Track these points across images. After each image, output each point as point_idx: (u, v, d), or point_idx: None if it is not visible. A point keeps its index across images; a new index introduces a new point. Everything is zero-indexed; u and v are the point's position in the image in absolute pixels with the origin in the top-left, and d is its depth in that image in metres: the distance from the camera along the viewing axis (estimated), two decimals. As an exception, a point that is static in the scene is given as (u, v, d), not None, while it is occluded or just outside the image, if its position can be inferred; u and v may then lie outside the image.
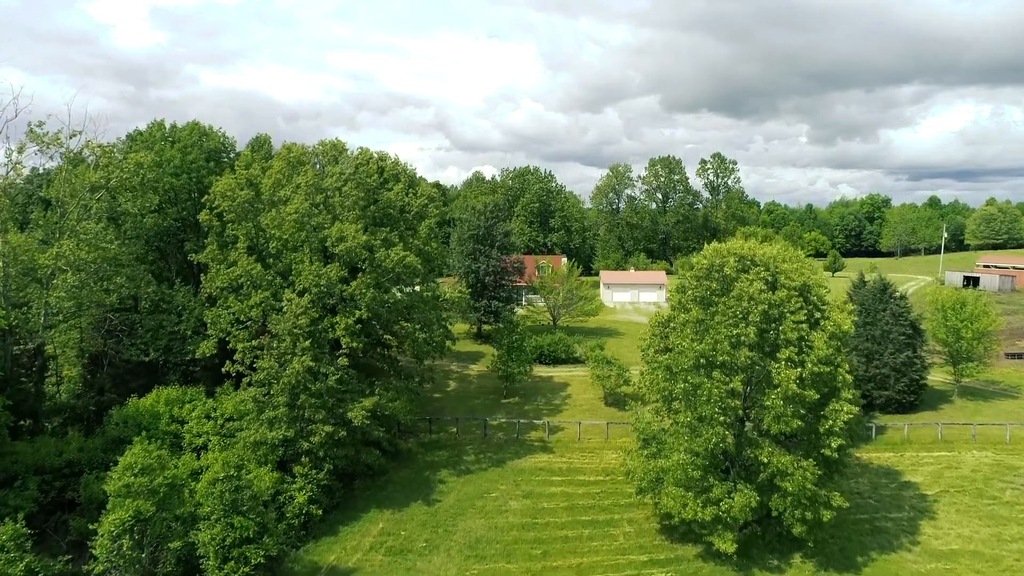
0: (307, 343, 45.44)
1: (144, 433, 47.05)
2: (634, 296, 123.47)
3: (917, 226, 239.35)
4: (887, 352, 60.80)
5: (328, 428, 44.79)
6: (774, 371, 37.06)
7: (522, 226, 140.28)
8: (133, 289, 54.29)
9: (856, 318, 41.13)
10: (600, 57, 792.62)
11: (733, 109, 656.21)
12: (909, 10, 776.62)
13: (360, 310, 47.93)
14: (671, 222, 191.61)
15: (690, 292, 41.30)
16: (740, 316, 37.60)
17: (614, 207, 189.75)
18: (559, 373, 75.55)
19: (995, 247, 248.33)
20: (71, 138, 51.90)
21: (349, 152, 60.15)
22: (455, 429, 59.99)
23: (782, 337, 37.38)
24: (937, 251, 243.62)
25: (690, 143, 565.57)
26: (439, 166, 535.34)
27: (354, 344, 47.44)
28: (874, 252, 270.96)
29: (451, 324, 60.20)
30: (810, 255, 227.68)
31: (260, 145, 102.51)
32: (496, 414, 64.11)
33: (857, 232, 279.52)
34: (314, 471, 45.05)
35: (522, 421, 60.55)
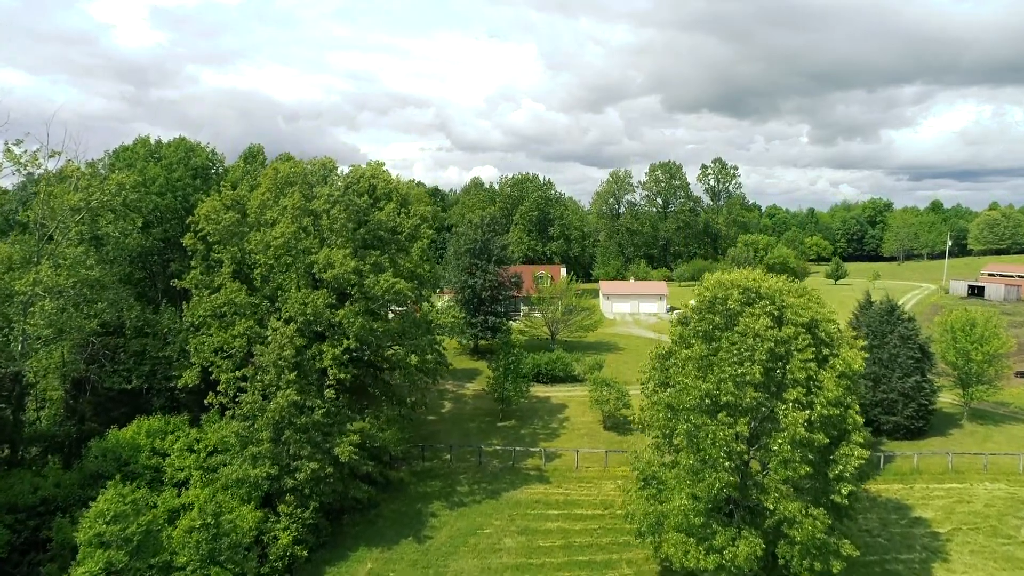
0: (292, 375, 43.55)
1: (122, 471, 45.53)
2: (634, 307, 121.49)
3: (920, 231, 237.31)
4: (895, 376, 58.89)
5: (314, 465, 42.92)
6: (781, 413, 35.14)
7: (521, 235, 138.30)
8: (115, 314, 52.45)
9: (867, 355, 39.11)
10: (601, 57, 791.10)
11: (734, 109, 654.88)
12: (910, 10, 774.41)
13: (348, 339, 45.99)
14: (672, 228, 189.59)
15: (692, 325, 39.36)
16: (745, 354, 35.68)
17: (614, 213, 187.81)
18: (557, 393, 73.62)
19: (998, 252, 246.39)
20: (50, 158, 50.16)
21: (340, 171, 58.37)
22: (449, 456, 58.09)
23: (789, 377, 35.46)
24: (940, 256, 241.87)
25: (691, 143, 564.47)
26: (439, 166, 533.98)
27: (341, 375, 45.51)
28: (876, 257, 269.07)
29: (443, 346, 58.10)
30: (811, 260, 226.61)
31: (253, 156, 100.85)
32: (492, 439, 62.22)
33: (859, 236, 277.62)
34: (299, 509, 43.18)
35: (518, 448, 58.61)
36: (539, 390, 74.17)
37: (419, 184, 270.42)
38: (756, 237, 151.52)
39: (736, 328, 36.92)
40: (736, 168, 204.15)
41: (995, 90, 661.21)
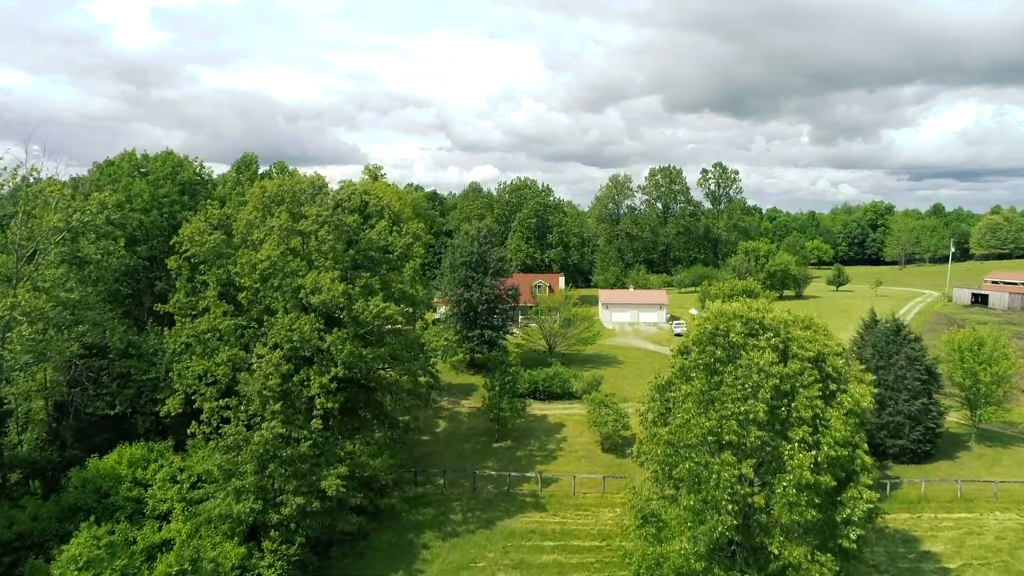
0: (278, 406, 41.94)
1: (102, 503, 44.03)
2: (634, 316, 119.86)
3: (922, 235, 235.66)
4: (901, 399, 57.25)
5: (300, 500, 41.34)
6: (786, 453, 33.51)
7: (519, 243, 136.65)
8: (98, 336, 50.84)
9: (875, 389, 37.47)
10: (601, 57, 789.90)
11: (735, 109, 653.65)
12: (911, 10, 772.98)
13: (337, 367, 44.34)
14: (672, 233, 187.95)
15: (693, 357, 37.68)
16: (749, 390, 34.05)
17: (614, 217, 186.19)
18: (554, 411, 71.97)
19: (1001, 256, 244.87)
20: (30, 174, 48.56)
21: (331, 187, 56.76)
22: (443, 481, 56.51)
23: (794, 415, 33.83)
24: (942, 260, 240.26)
25: (691, 143, 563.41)
26: (440, 166, 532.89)
27: (329, 404, 43.87)
28: (877, 260, 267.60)
29: (437, 368, 56.42)
30: (812, 263, 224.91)
31: (247, 165, 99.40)
32: (487, 461, 60.64)
33: (860, 240, 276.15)
34: (285, 545, 41.57)
35: (513, 474, 57.01)
36: (536, 407, 72.56)
37: (417, 188, 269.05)
38: (757, 244, 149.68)
39: (739, 362, 35.31)
40: (736, 172, 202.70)
41: (996, 90, 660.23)
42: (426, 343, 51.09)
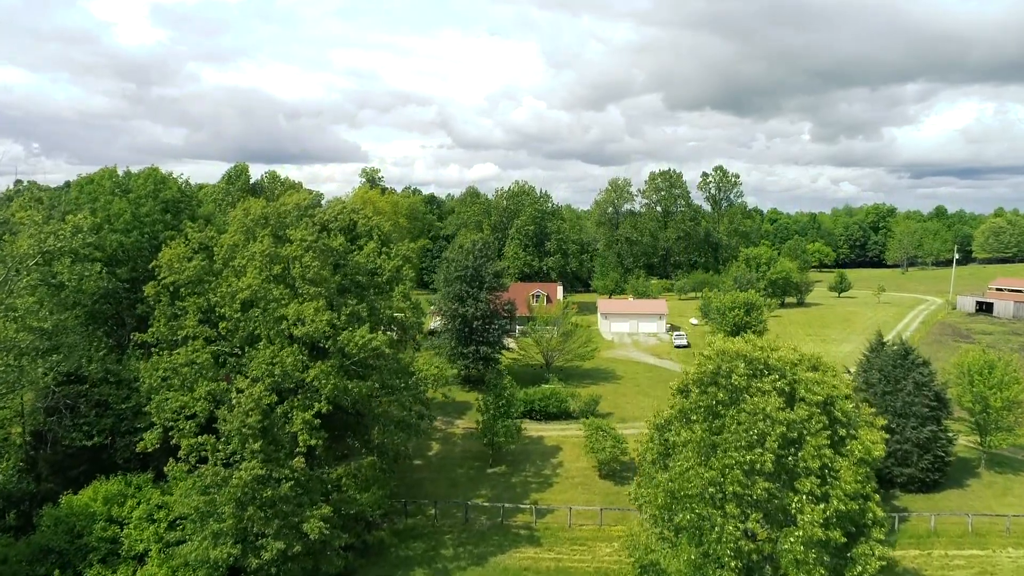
0: (257, 444, 39.93)
1: (75, 543, 42.13)
2: (633, 327, 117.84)
3: (924, 238, 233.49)
4: (909, 426, 55.24)
5: (280, 545, 39.34)
6: (793, 506, 31.55)
7: (516, 251, 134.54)
8: (74, 364, 48.84)
9: (884, 422, 35.48)
10: (603, 55, 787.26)
11: (736, 107, 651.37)
12: (915, 8, 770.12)
13: (320, 402, 42.30)
14: (672, 238, 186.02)
15: (693, 398, 35.72)
16: (755, 439, 32.07)
17: (613, 222, 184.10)
18: (550, 432, 69.96)
19: (1004, 260, 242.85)
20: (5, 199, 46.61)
21: (321, 205, 54.77)
22: (434, 512, 54.48)
23: (801, 464, 31.87)
24: (945, 263, 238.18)
25: (692, 141, 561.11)
26: (440, 164, 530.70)
27: (312, 442, 41.84)
28: (879, 263, 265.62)
29: (429, 396, 54.35)
30: (813, 266, 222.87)
31: (238, 175, 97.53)
32: (480, 489, 58.66)
33: (862, 242, 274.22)
34: (265, 591, 39.59)
35: (507, 504, 54.95)
36: (532, 428, 70.60)
37: (415, 191, 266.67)
38: (758, 251, 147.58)
39: (743, 406, 33.35)
40: (737, 176, 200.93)
41: (999, 88, 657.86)
42: (416, 372, 49.01)
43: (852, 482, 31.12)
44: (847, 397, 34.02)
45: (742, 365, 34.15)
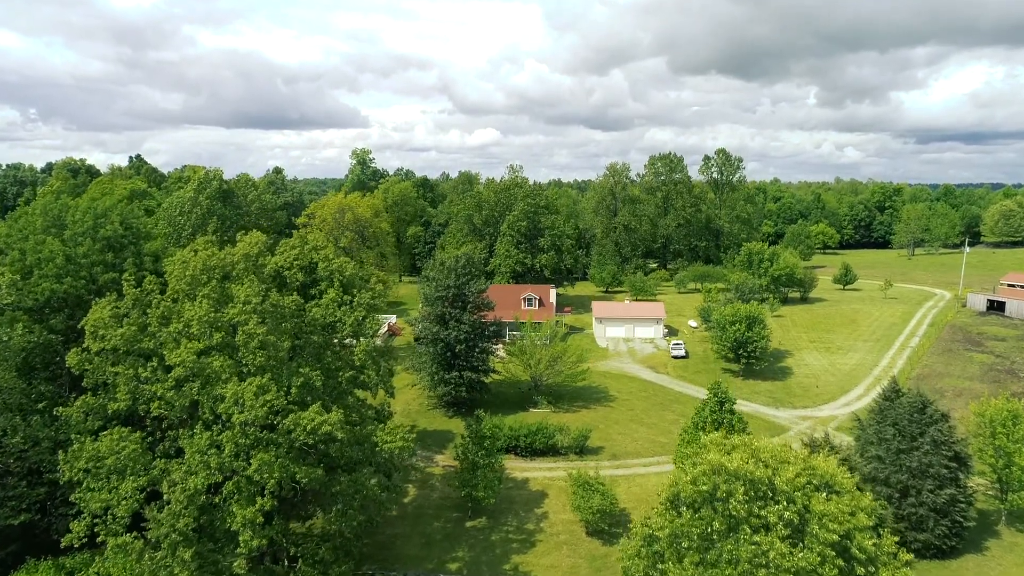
0: (189, 553, 35.01)
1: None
2: (629, 331, 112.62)
3: (931, 221, 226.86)
4: (926, 488, 50.33)
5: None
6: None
7: (508, 247, 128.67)
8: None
9: (910, 557, 30.45)
10: (608, 17, 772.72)
11: (743, 71, 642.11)
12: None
13: (263, 497, 37.24)
14: (672, 225, 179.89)
15: (685, 519, 30.55)
16: (755, 587, 27.02)
17: (612, 210, 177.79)
18: (536, 472, 65.18)
19: (1014, 244, 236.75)
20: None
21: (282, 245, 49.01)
22: (404, 583, 49.90)
23: (812, 620, 26.87)
24: (953, 247, 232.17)
25: (696, 106, 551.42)
26: (441, 129, 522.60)
27: (256, 542, 36.85)
28: (884, 244, 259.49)
29: (399, 460, 49.24)
30: (817, 248, 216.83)
31: (208, 182, 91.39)
32: (457, 549, 54.01)
33: (867, 223, 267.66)
34: None
35: (486, 572, 50.33)
36: (516, 466, 65.91)
37: (407, 174, 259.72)
38: (761, 247, 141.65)
39: (741, 542, 28.23)
40: (740, 159, 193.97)
41: (1011, 51, 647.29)
42: (379, 444, 43.78)
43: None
44: (866, 528, 28.87)
45: (740, 490, 28.95)
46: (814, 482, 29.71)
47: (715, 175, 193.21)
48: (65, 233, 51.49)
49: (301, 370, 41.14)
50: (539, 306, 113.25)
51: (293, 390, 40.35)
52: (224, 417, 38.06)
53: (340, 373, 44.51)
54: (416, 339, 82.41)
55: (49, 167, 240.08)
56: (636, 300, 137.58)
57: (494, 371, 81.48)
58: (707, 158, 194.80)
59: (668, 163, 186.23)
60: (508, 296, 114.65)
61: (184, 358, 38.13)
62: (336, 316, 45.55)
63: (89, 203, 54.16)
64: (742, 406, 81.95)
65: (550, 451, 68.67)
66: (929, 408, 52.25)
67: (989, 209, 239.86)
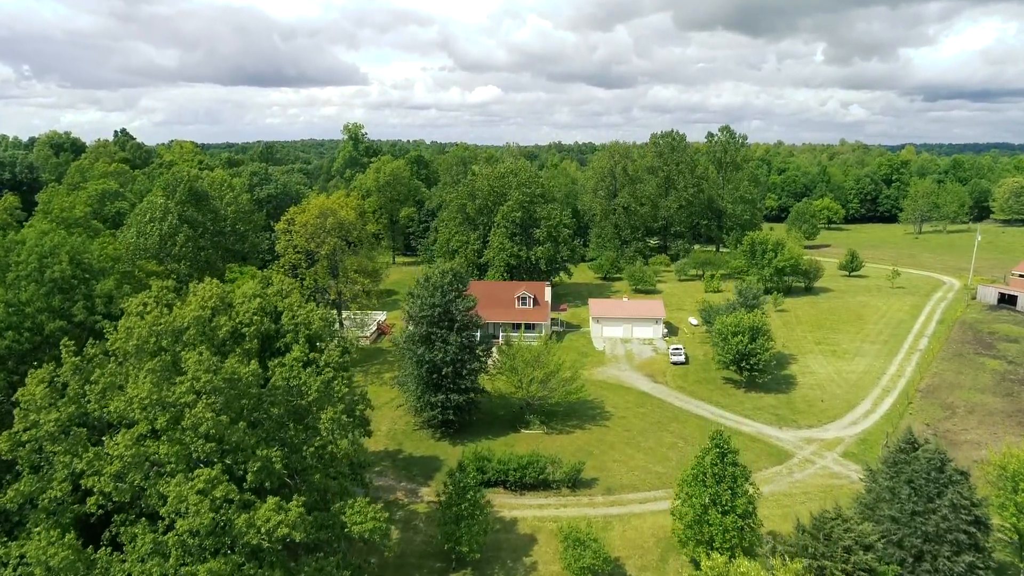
0: None
1: None
2: (627, 331, 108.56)
3: (940, 197, 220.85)
4: (942, 553, 46.64)
5: None
6: None
7: (503, 240, 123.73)
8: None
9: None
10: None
11: (750, 26, 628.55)
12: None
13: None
14: (674, 207, 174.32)
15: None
16: None
17: (611, 190, 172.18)
18: (525, 512, 61.65)
19: None
20: None
21: (242, 296, 44.70)
22: (380, 655, 46.62)
23: None
24: (962, 224, 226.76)
25: (701, 63, 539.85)
26: (440, 87, 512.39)
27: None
28: (891, 218, 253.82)
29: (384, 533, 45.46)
30: (822, 224, 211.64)
31: (176, 184, 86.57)
32: (439, 608, 50.74)
33: (873, 196, 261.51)
34: None
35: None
36: (505, 504, 62.47)
37: (402, 150, 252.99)
38: (764, 235, 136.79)
39: None
40: (745, 137, 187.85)
41: None
42: (348, 526, 39.92)
43: None
44: None
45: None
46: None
47: (719, 154, 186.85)
48: (8, 276, 46.98)
49: (258, 451, 37.09)
50: (534, 305, 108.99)
51: (249, 476, 36.41)
52: (168, 516, 34.10)
53: (304, 448, 40.44)
54: (407, 339, 77.11)
55: (32, 142, 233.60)
56: (635, 292, 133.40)
57: (483, 391, 77.57)
58: (710, 135, 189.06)
59: (670, 141, 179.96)
60: (501, 294, 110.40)
61: (122, 451, 34.01)
62: (300, 379, 41.36)
63: (37, 238, 49.41)
64: (743, 426, 78.30)
65: (541, 485, 65.09)
66: (948, 467, 48.25)
67: (1000, 184, 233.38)
